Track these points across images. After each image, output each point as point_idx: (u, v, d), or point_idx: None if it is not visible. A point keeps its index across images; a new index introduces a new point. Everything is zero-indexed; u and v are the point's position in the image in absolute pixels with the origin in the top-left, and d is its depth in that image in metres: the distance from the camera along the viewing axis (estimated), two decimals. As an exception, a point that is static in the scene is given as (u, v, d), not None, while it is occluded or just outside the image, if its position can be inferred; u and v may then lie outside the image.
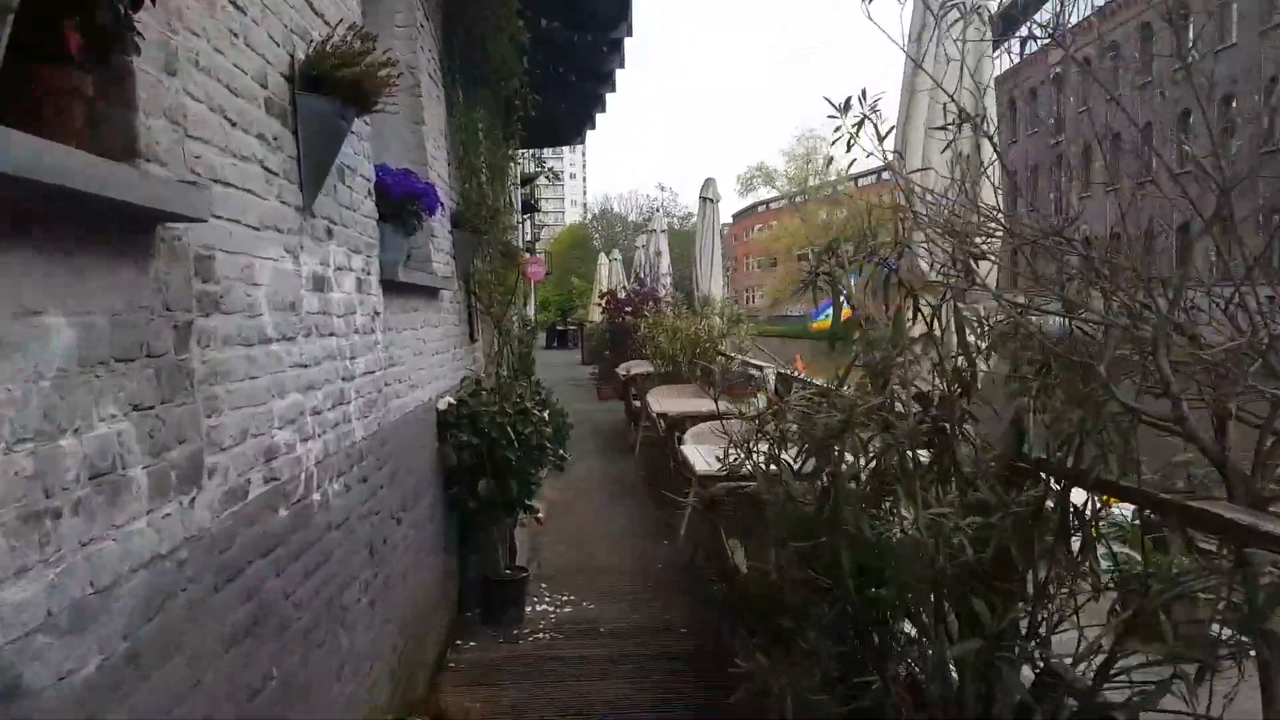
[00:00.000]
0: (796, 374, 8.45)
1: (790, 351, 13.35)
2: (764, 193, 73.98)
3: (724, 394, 6.85)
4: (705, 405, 7.52)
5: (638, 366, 11.12)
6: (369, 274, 3.74)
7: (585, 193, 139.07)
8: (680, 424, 6.92)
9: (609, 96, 11.24)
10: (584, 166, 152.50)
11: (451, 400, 5.33)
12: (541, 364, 28.22)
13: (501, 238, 9.95)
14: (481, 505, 5.20)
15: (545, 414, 5.60)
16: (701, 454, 5.25)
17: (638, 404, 10.95)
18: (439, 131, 5.96)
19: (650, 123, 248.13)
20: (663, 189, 64.92)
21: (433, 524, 4.99)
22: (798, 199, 58.58)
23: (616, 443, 11.95)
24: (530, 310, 37.66)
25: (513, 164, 12.42)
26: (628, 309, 15.18)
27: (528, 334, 20.52)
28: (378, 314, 3.85)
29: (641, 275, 16.55)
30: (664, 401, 7.78)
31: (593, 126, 15.16)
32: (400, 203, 4.22)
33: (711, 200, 11.22)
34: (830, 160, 43.43)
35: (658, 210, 42.35)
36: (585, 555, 7.01)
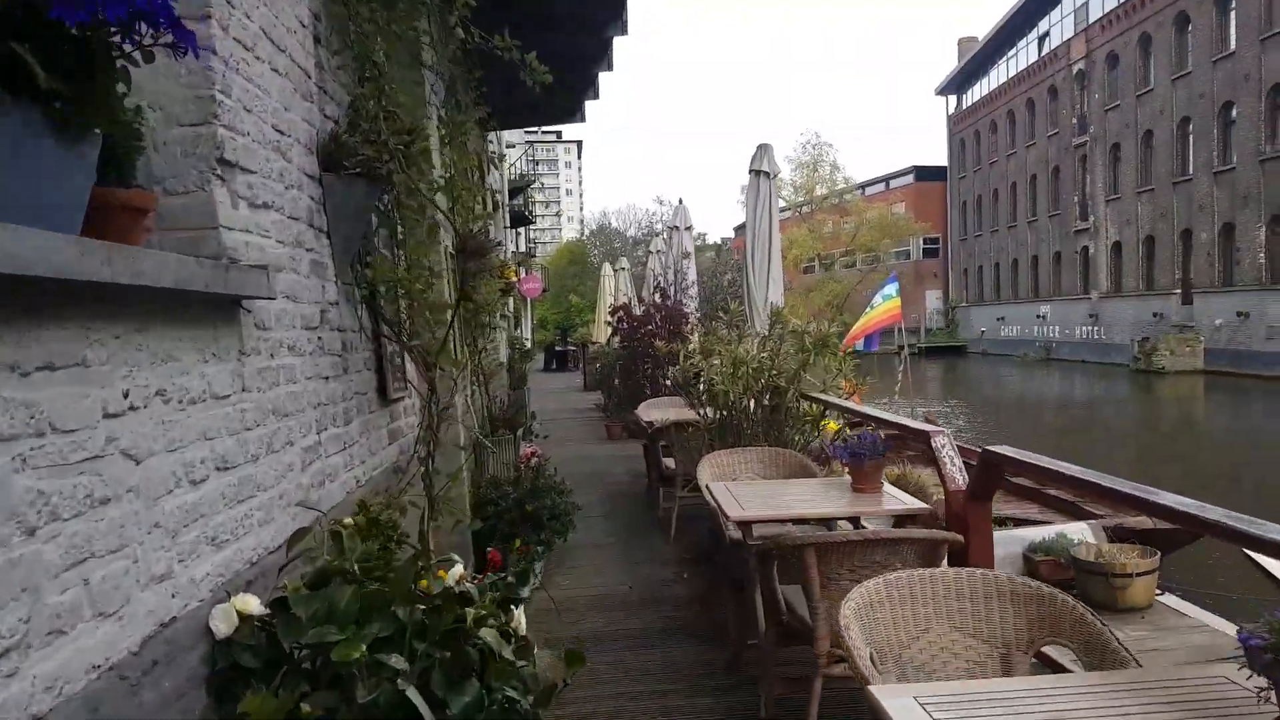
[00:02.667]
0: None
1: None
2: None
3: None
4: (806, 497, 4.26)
5: (672, 410, 7.78)
6: None
7: (582, 208, 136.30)
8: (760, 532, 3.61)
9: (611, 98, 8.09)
10: (580, 182, 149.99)
11: (254, 607, 1.98)
12: (539, 390, 24.90)
13: (465, 219, 6.71)
14: None
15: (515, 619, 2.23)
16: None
17: (670, 464, 7.61)
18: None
19: (648, 136, 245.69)
20: (661, 202, 61.71)
21: None
22: (804, 209, 55.52)
23: (637, 511, 8.61)
24: (524, 330, 34.63)
25: (481, 130, 9.17)
26: (648, 327, 11.84)
27: (520, 359, 17.24)
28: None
29: (662, 285, 13.18)
30: (743, 497, 4.33)
31: (595, 95, 11.98)
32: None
33: (767, 174, 7.96)
34: (834, 167, 40.62)
35: (662, 230, 38.68)
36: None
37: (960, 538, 3.32)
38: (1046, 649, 2.84)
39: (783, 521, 4.04)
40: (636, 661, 4.73)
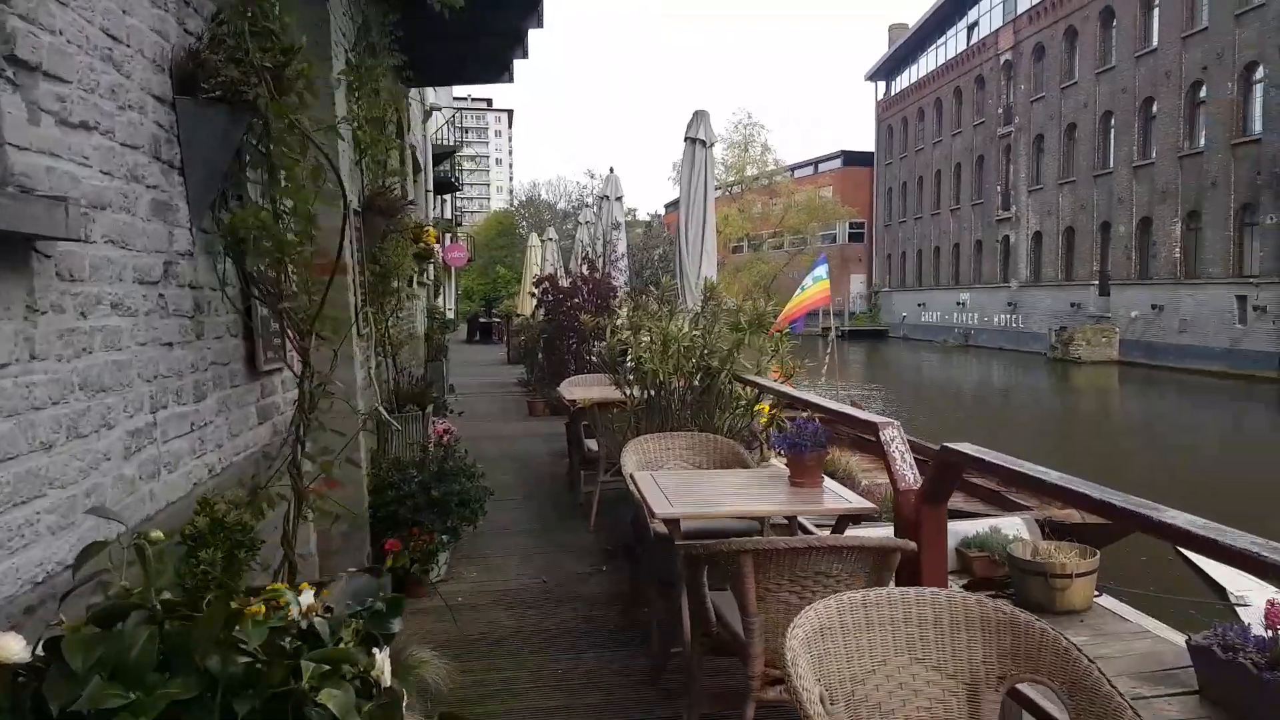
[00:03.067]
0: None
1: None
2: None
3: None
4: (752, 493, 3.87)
5: (596, 388, 7.31)
6: None
7: (511, 179, 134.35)
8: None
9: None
10: (510, 152, 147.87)
11: (15, 651, 1.45)
12: (460, 363, 24.16)
13: (376, 174, 6.20)
14: None
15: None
16: None
17: (593, 446, 7.15)
18: None
19: (579, 111, 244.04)
20: (593, 175, 61.00)
21: None
22: (735, 189, 55.33)
23: (557, 495, 8.14)
24: (447, 300, 33.76)
25: (399, 81, 8.58)
26: (574, 300, 11.29)
27: (439, 329, 16.56)
28: None
29: (590, 256, 12.58)
30: (672, 490, 3.85)
31: (524, 54, 11.38)
32: None
33: (703, 143, 7.48)
34: (765, 148, 40.36)
35: (590, 201, 37.63)
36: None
37: (913, 545, 2.93)
38: (1021, 686, 2.47)
39: (714, 519, 3.61)
40: (551, 669, 4.27)
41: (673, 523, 3.52)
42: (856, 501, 3.54)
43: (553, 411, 12.26)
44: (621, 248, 12.43)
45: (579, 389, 7.96)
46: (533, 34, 10.18)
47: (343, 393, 4.14)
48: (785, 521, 4.21)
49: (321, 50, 5.13)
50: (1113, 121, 38.38)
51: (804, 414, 4.67)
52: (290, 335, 2.99)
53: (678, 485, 3.86)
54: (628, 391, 6.02)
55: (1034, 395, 30.63)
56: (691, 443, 5.02)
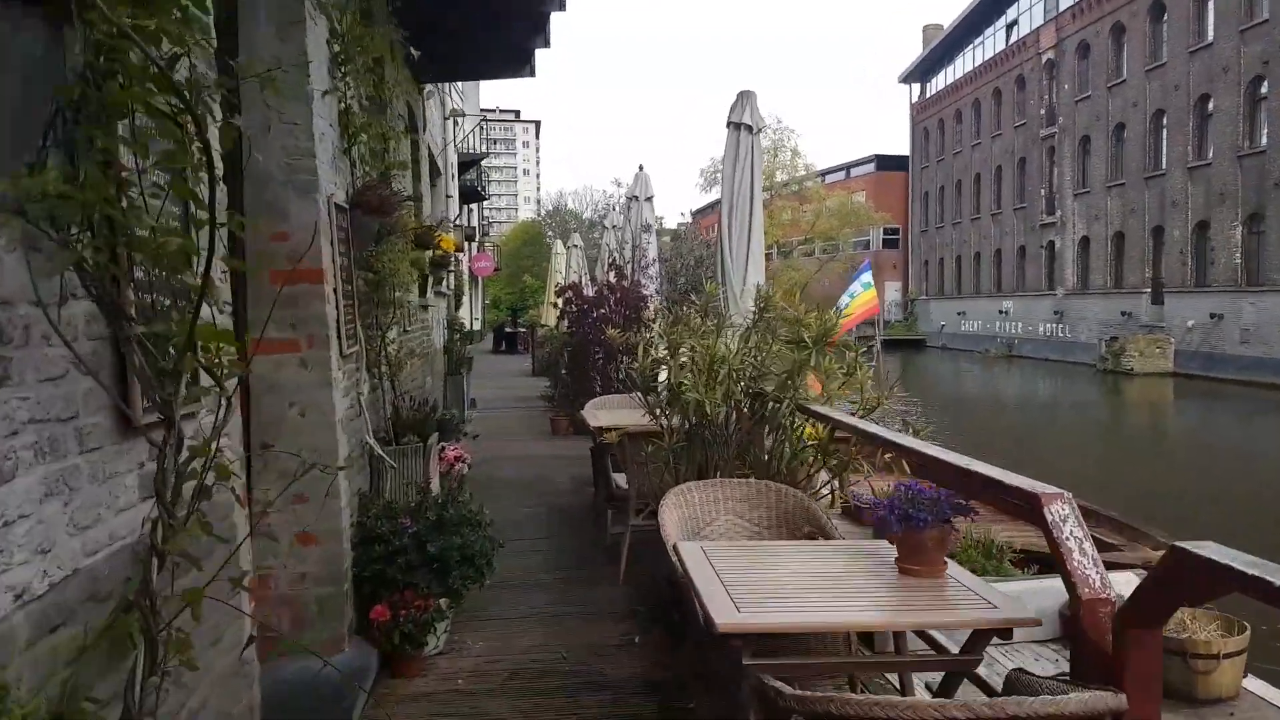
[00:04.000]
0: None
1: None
2: (730, 187, 69.33)
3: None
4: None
5: (624, 412, 6.29)
6: None
7: (539, 189, 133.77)
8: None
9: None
10: (537, 163, 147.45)
11: None
12: (484, 374, 23.20)
13: (373, 164, 5.34)
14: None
15: None
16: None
17: (622, 482, 6.13)
18: None
19: (605, 119, 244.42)
20: (618, 184, 60.16)
21: None
22: (764, 194, 54.23)
23: (581, 533, 7.12)
24: (474, 310, 32.87)
25: (402, 61, 7.64)
26: (600, 311, 10.26)
27: (460, 341, 15.59)
28: None
29: (618, 262, 11.48)
30: (735, 580, 2.79)
31: (545, 43, 10.44)
32: None
33: (749, 129, 6.42)
34: (795, 153, 39.07)
35: (617, 204, 36.60)
36: None
37: (1124, 702, 1.87)
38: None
39: (801, 632, 2.56)
40: None
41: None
42: (1004, 606, 2.44)
43: (577, 430, 11.26)
44: (653, 253, 11.34)
45: (605, 414, 6.93)
46: (556, 31, 9.18)
47: (317, 457, 3.17)
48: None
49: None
50: (1165, 120, 36.88)
51: (896, 471, 3.61)
52: (139, 374, 1.95)
53: (741, 570, 2.81)
54: (664, 422, 4.97)
55: (1087, 408, 29.21)
56: (748, 493, 3.97)
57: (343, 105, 4.96)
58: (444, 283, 13.56)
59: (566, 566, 6.26)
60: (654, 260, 11.30)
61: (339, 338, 4.43)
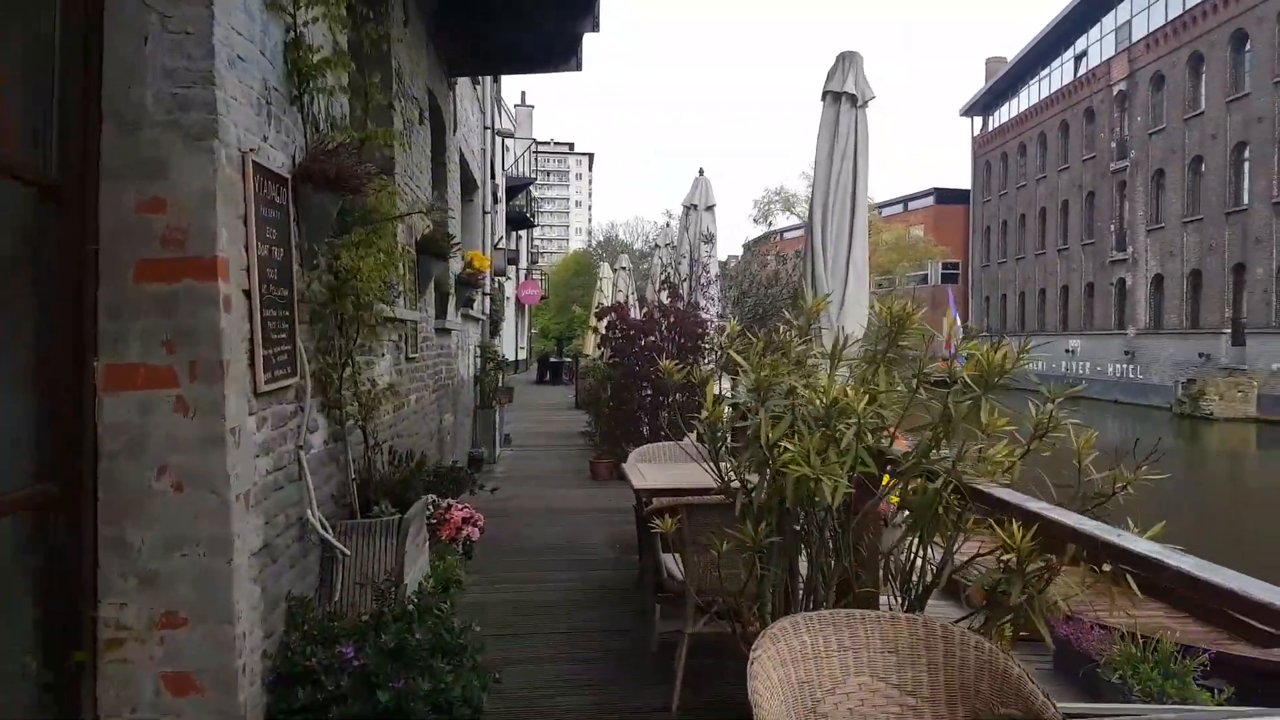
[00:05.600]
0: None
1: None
2: (782, 220, 67.57)
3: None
4: None
5: (677, 470, 4.70)
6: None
7: (590, 220, 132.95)
8: None
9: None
10: (590, 195, 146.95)
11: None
12: (524, 405, 21.77)
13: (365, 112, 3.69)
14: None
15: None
16: None
17: (675, 569, 4.53)
18: None
19: (659, 152, 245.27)
20: (670, 216, 58.82)
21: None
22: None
23: (622, 624, 5.52)
24: (520, 338, 31.43)
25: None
26: (649, 338, 8.64)
27: (494, 371, 14.09)
28: None
29: (672, 279, 9.76)
30: None
31: (594, 26, 9.09)
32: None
33: (852, 99, 4.86)
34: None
35: (669, 233, 34.93)
36: None
37: None
38: None
39: None
40: None
41: None
42: None
43: (619, 474, 9.67)
44: (714, 269, 9.63)
45: (653, 470, 5.34)
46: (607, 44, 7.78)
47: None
48: None
49: None
50: (1247, 153, 34.71)
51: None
52: None
53: None
54: (741, 485, 3.35)
55: (1170, 455, 26.97)
56: (896, 638, 2.36)
57: (291, 33, 3.48)
58: (475, 305, 12.11)
59: (597, 679, 4.65)
60: (716, 278, 9.61)
61: (252, 366, 2.91)
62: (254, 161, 2.99)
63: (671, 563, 4.58)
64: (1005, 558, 2.50)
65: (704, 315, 8.76)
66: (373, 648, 2.96)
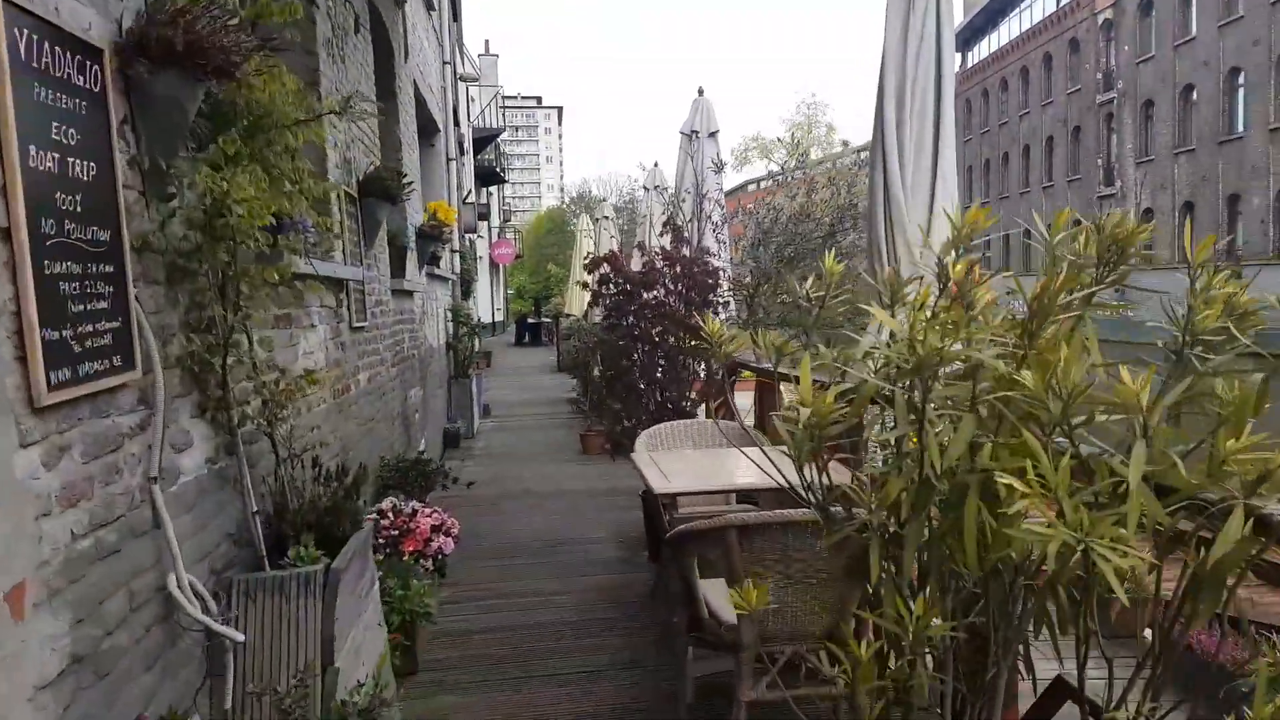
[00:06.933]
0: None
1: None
2: (760, 168, 66.09)
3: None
4: None
5: (704, 461, 3.51)
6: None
7: (562, 176, 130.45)
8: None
9: None
10: (560, 150, 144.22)
11: None
12: (504, 369, 20.42)
13: None
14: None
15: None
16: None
17: (724, 614, 3.31)
18: None
19: (636, 99, 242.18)
20: (643, 169, 57.21)
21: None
22: (796, 173, 51.13)
23: (639, 662, 4.34)
24: (495, 300, 30.08)
25: None
26: (651, 293, 7.30)
27: (467, 336, 12.82)
28: None
29: (676, 220, 8.29)
30: None
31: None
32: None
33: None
34: (830, 128, 35.46)
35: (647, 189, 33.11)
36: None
37: None
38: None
39: None
40: None
41: None
42: None
43: (614, 447, 8.44)
44: (718, 213, 8.19)
45: (674, 463, 4.10)
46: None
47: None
48: None
49: None
50: (1241, 79, 33.48)
51: None
52: None
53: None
54: (872, 515, 2.13)
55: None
56: None
57: None
58: (441, 263, 10.79)
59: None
60: (724, 220, 8.19)
61: (24, 360, 1.64)
62: (38, 17, 1.70)
63: (712, 592, 3.36)
64: None
65: (715, 263, 7.44)
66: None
